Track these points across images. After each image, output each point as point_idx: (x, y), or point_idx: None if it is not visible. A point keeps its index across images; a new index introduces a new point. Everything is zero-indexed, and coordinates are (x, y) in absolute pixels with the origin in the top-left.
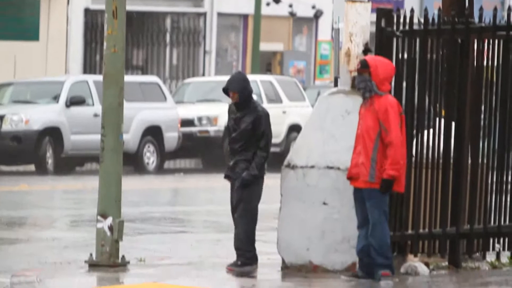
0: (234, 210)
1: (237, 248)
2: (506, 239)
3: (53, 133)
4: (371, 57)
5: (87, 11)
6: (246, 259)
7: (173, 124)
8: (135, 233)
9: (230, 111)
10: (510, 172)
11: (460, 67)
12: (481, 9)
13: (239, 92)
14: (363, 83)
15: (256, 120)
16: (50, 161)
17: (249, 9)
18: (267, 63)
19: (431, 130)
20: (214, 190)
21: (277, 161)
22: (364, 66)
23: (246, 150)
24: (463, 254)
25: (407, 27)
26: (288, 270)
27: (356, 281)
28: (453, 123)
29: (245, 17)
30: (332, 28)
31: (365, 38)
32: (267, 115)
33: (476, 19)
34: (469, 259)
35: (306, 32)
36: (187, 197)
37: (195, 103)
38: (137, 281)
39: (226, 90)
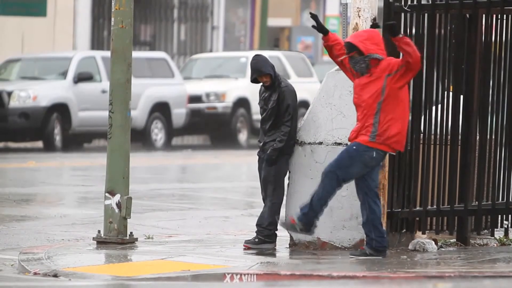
0: (263, 189)
1: (257, 224)
2: None
3: (61, 110)
4: (350, 37)
5: None
6: (264, 236)
7: (181, 100)
8: (143, 210)
9: (260, 93)
10: None
11: (468, 42)
12: None
13: (271, 73)
14: (357, 65)
15: (281, 96)
16: (58, 137)
17: None
18: (275, 38)
19: (439, 106)
20: (222, 167)
21: None
22: (351, 50)
23: (275, 129)
24: (471, 231)
25: (415, 2)
26: (296, 246)
27: (364, 258)
28: (461, 99)
29: None
30: (340, 3)
31: (373, 13)
32: (291, 90)
33: None
34: (477, 236)
35: (314, 7)
36: (195, 174)
37: (203, 79)
38: (146, 258)
39: (256, 79)
